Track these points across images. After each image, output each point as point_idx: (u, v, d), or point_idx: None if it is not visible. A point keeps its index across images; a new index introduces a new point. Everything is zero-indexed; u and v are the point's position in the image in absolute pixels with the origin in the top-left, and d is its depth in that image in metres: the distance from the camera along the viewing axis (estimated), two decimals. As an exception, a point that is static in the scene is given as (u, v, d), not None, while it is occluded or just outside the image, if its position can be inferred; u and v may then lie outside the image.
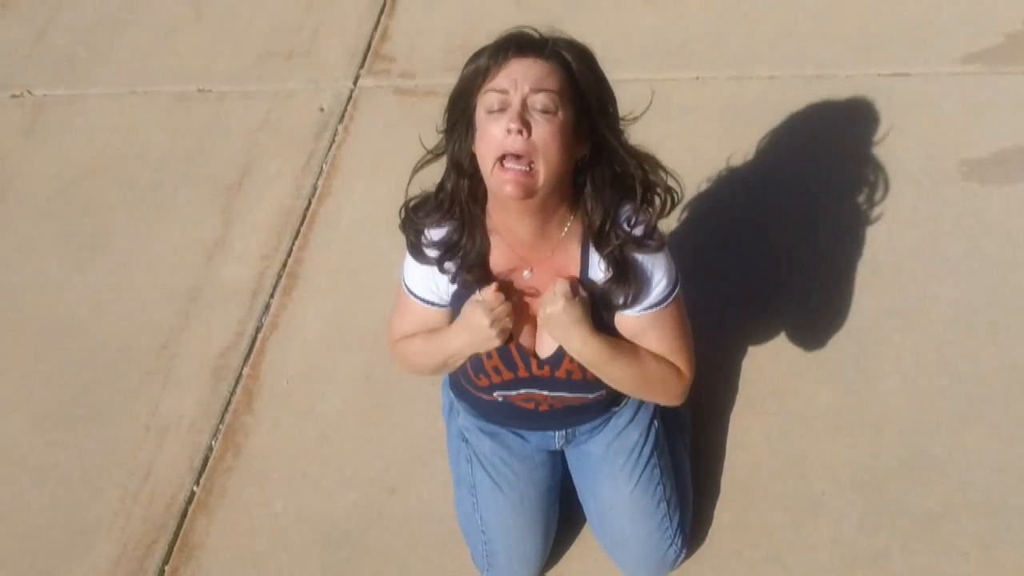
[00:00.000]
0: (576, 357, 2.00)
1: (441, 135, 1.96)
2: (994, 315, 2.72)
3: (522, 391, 2.13)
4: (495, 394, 2.16)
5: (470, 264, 1.99)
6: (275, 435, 2.79)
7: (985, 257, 2.85)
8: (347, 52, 3.91)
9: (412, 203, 2.03)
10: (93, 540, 2.64)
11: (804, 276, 2.88)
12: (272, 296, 3.11)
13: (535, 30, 1.86)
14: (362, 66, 3.84)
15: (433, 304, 2.09)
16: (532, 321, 2.04)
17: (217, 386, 2.91)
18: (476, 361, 2.07)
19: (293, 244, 3.25)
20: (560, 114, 1.79)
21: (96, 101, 3.91)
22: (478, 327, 1.97)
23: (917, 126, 3.20)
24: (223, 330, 3.05)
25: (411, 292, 2.09)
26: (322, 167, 3.48)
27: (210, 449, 2.78)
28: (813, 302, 2.82)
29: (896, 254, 2.87)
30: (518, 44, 1.82)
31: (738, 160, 3.17)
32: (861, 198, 3.01)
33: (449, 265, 2.00)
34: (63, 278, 3.28)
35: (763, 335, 2.77)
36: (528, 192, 1.80)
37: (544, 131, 1.78)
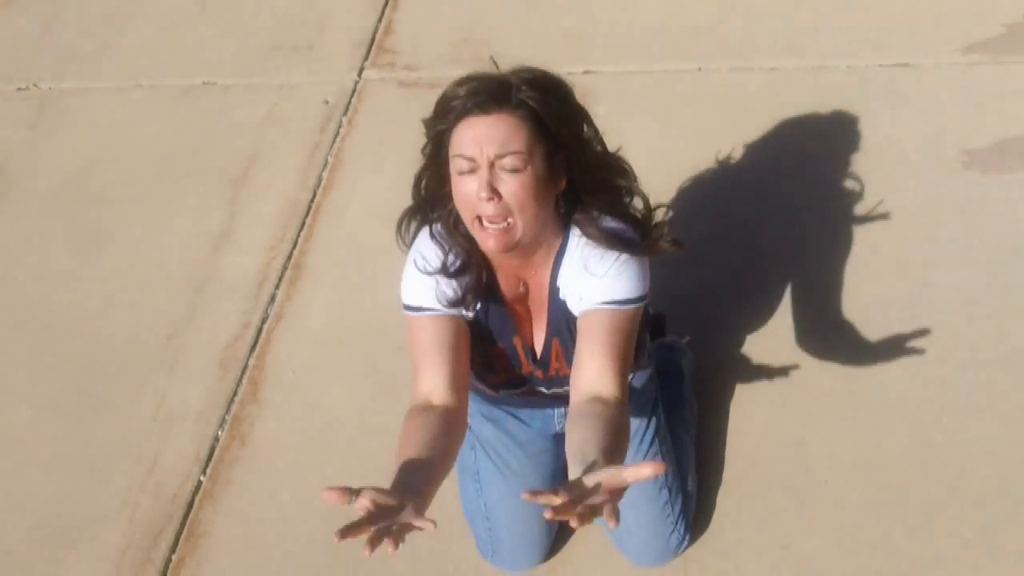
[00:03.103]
0: None
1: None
2: (995, 303, 2.73)
3: (524, 388, 2.18)
4: (501, 392, 2.22)
5: (479, 289, 1.99)
6: (281, 425, 2.80)
7: (986, 246, 2.85)
8: (351, 45, 3.92)
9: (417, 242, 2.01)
10: (100, 530, 2.66)
11: (805, 265, 2.89)
12: (278, 287, 3.13)
13: (493, 74, 1.82)
14: (366, 59, 3.85)
15: (439, 311, 1.97)
16: (534, 323, 2.07)
17: (223, 377, 2.93)
18: (486, 356, 2.10)
19: (298, 236, 3.26)
20: (530, 168, 1.77)
21: (101, 94, 3.92)
22: None
23: (918, 116, 3.21)
24: (229, 321, 3.06)
25: (415, 308, 1.97)
26: (327, 159, 3.49)
27: (216, 439, 2.79)
28: (814, 291, 2.82)
29: (897, 243, 2.88)
30: (479, 101, 1.77)
31: (739, 151, 3.18)
32: (862, 188, 3.02)
33: (469, 297, 1.99)
34: (69, 270, 3.30)
35: (764, 324, 2.78)
36: (510, 245, 1.83)
37: (513, 190, 1.77)
